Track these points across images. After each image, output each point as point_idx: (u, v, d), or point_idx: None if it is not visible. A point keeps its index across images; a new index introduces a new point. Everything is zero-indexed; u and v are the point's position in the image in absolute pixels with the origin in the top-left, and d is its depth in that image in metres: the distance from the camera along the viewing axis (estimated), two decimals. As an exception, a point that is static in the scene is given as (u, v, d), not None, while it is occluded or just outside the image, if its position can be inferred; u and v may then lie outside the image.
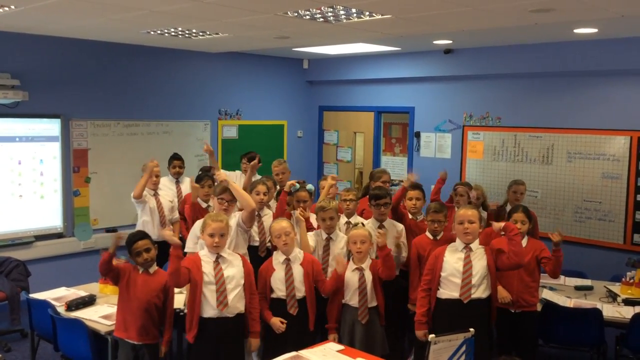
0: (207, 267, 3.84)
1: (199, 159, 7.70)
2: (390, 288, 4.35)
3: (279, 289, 4.10)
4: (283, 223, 4.17)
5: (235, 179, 6.33)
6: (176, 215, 6.03)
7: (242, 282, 3.89)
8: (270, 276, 4.12)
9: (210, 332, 3.80)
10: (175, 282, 3.78)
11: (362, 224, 4.43)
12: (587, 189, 6.54)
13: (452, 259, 3.99)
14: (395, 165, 8.92)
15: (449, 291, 3.96)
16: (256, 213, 4.96)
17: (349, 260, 4.29)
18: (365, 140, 8.82)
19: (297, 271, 4.11)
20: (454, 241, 4.07)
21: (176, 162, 6.55)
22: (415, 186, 5.12)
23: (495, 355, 4.18)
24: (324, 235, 4.58)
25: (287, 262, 4.11)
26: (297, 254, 4.17)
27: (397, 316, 4.66)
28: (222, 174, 4.52)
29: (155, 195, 5.86)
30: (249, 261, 4.14)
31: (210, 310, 3.79)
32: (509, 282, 4.35)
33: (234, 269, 3.89)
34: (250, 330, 3.97)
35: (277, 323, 4.05)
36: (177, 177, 6.54)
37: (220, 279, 3.80)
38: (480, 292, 3.91)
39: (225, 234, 3.90)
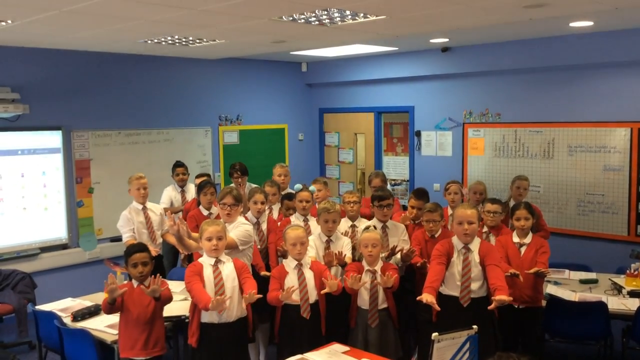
0: (207, 273, 3.86)
1: (201, 165, 7.74)
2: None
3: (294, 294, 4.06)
4: (298, 231, 4.11)
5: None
6: (165, 227, 5.56)
7: (236, 283, 3.89)
8: (284, 280, 4.07)
9: (211, 337, 3.82)
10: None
11: (374, 227, 4.41)
12: (589, 182, 6.53)
13: (455, 259, 3.95)
14: (397, 165, 8.91)
15: (449, 289, 3.95)
16: (255, 221, 4.98)
17: (357, 261, 4.29)
18: (367, 141, 8.81)
19: (309, 276, 4.09)
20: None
21: (179, 170, 6.56)
22: (421, 195, 5.12)
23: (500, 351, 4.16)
24: (324, 238, 4.59)
25: (299, 267, 4.10)
26: (307, 258, 4.16)
27: (401, 316, 4.65)
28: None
29: (144, 209, 5.57)
30: (240, 260, 4.09)
31: (209, 315, 3.81)
32: (511, 278, 4.32)
33: (230, 273, 3.90)
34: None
35: (288, 290, 3.85)
36: (183, 185, 6.54)
37: (219, 283, 3.83)
38: (480, 293, 3.90)
39: (223, 237, 3.92)
